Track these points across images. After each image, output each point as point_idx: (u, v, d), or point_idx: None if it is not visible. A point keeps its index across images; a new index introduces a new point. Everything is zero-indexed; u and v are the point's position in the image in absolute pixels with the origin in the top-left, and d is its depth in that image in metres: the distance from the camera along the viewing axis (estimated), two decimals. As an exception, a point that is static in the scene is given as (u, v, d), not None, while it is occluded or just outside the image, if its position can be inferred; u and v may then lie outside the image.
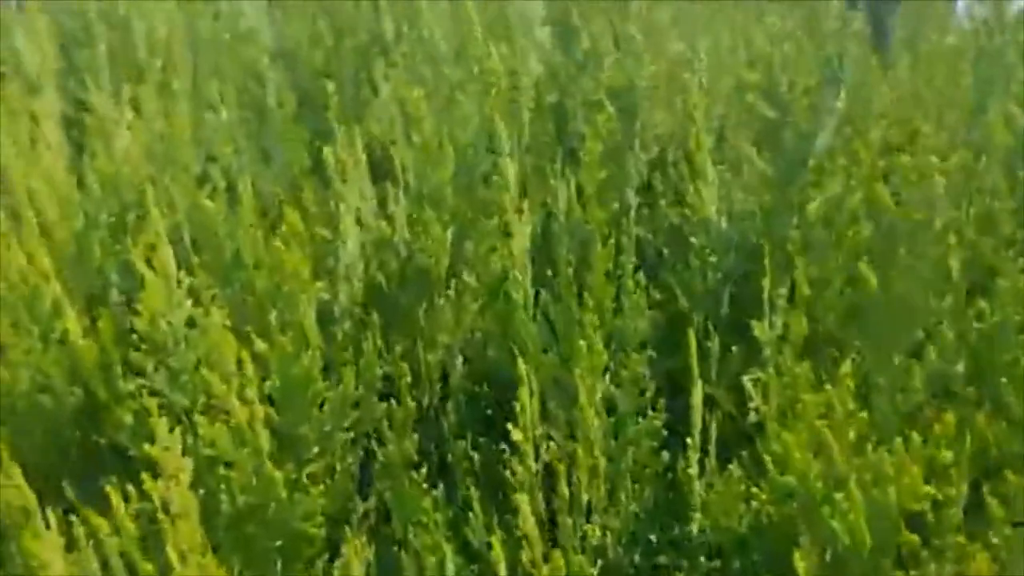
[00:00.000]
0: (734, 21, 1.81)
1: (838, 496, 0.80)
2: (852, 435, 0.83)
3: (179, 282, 1.13)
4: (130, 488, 0.97)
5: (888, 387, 0.91)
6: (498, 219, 1.31)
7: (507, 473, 1.13)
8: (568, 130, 1.51)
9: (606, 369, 1.03)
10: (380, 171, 1.63)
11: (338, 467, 1.12)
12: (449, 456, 1.17)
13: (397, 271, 1.31)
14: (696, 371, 0.96)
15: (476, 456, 1.18)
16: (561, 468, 0.98)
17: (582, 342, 0.98)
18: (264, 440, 0.98)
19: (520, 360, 1.01)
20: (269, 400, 1.06)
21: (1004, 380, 1.02)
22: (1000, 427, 0.98)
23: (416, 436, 1.07)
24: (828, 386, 0.89)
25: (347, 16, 1.91)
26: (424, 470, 1.06)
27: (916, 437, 0.78)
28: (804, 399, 0.92)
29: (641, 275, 1.22)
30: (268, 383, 1.04)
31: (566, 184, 1.34)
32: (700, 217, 1.16)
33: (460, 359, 1.28)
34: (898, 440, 0.79)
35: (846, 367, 0.86)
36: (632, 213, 1.35)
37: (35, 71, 1.84)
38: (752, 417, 1.18)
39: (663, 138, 1.38)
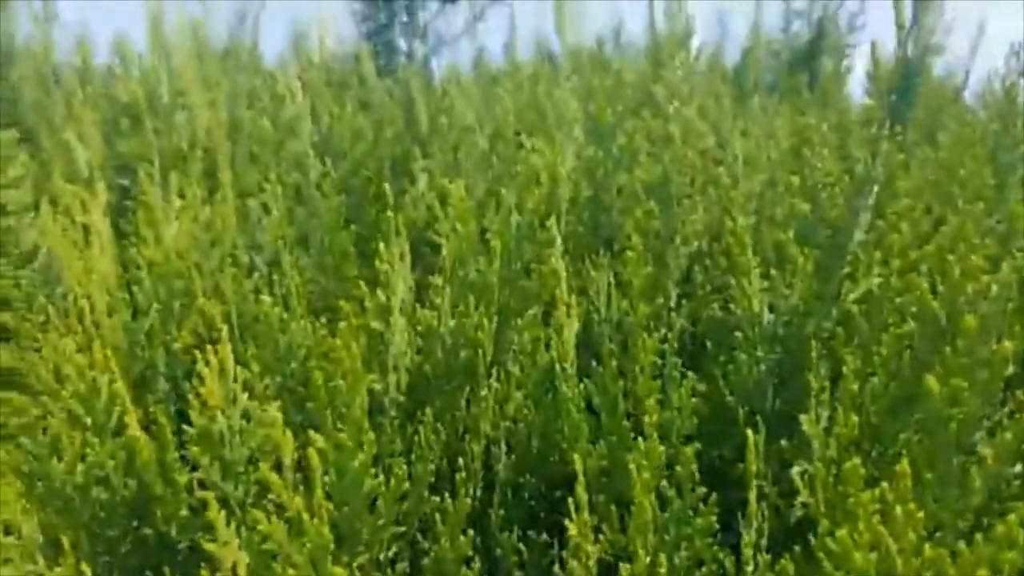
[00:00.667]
0: (764, 120, 1.87)
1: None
2: (911, 535, 0.83)
3: (235, 376, 1.15)
4: (188, 585, 0.97)
5: (943, 486, 0.92)
6: (541, 310, 1.34)
7: (558, 568, 1.13)
8: (606, 224, 1.55)
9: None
10: (417, 255, 1.67)
11: (386, 560, 1.12)
12: (498, 550, 1.17)
13: (443, 361, 1.33)
14: (752, 468, 0.97)
15: (524, 550, 1.18)
16: (618, 566, 0.98)
17: (640, 438, 1.00)
18: (322, 534, 0.99)
19: (576, 455, 1.02)
20: (324, 495, 1.07)
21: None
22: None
23: (470, 531, 1.08)
24: (884, 483, 0.90)
25: (385, 109, 1.99)
26: (476, 565, 1.06)
27: (979, 538, 0.79)
28: (857, 495, 0.93)
29: (685, 369, 1.24)
30: (326, 478, 1.05)
31: (607, 276, 1.37)
32: (743, 311, 1.19)
33: (505, 450, 1.29)
34: (961, 543, 0.79)
35: (903, 465, 0.87)
36: (673, 305, 1.38)
37: (83, 162, 1.91)
38: (799, 511, 1.18)
39: (701, 232, 1.42)
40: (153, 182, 1.52)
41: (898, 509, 0.87)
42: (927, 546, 0.86)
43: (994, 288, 1.06)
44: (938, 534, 0.93)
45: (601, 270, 1.40)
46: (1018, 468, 0.87)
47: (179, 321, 1.46)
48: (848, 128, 1.79)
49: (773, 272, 1.20)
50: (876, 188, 1.26)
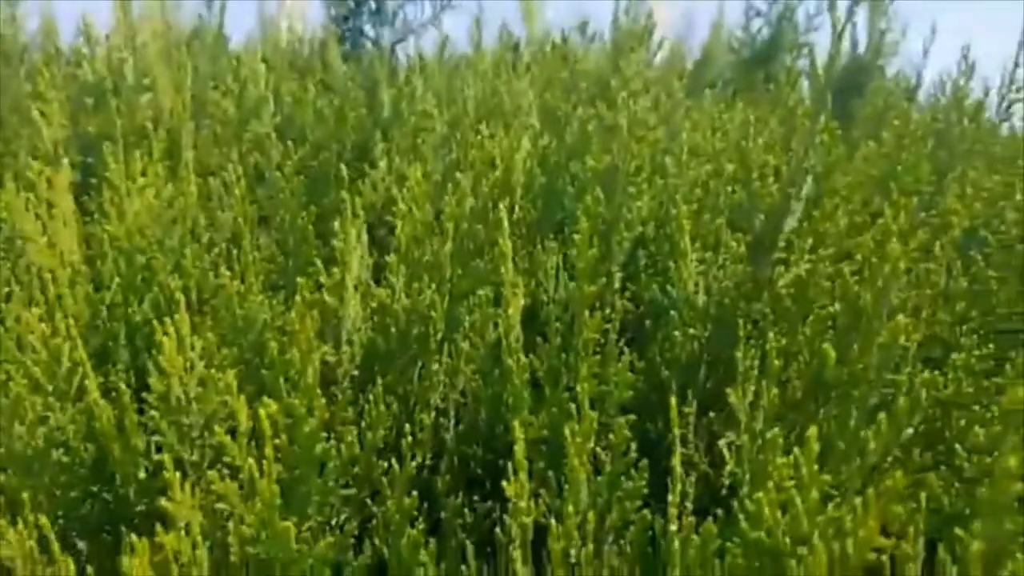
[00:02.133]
0: (714, 113, 1.95)
1: (802, 551, 0.87)
2: (815, 494, 0.91)
3: (192, 346, 1.20)
4: (142, 540, 1.02)
5: (846, 450, 1.00)
6: (492, 290, 1.40)
7: (499, 529, 1.19)
8: (558, 208, 1.61)
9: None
10: (373, 236, 1.72)
11: (337, 523, 1.18)
12: (443, 513, 1.23)
13: (396, 336, 1.38)
14: (677, 433, 1.04)
15: (467, 513, 1.24)
16: (551, 525, 1.05)
17: (572, 406, 1.06)
18: (274, 495, 1.04)
19: (516, 423, 1.09)
20: (275, 458, 1.12)
21: (957, 446, 1.11)
22: (953, 488, 1.07)
23: (414, 494, 1.14)
24: (796, 449, 0.97)
25: (348, 93, 2.03)
26: (421, 526, 1.12)
27: (871, 494, 0.86)
28: (774, 461, 1.00)
29: (625, 346, 1.31)
30: (277, 441, 1.11)
31: (556, 258, 1.44)
32: (679, 292, 1.26)
33: (454, 421, 1.35)
34: (857, 499, 0.87)
35: (812, 432, 0.95)
36: (617, 286, 1.45)
37: (48, 140, 1.93)
38: (727, 479, 1.26)
39: (646, 218, 1.49)
40: (116, 160, 1.55)
41: (805, 472, 0.94)
42: (830, 506, 0.94)
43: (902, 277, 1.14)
44: (838, 494, 1.01)
45: (550, 252, 1.47)
46: (908, 432, 0.95)
47: (140, 294, 1.50)
48: (794, 124, 1.87)
49: (708, 256, 1.28)
50: (810, 179, 1.34)
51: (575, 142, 1.67)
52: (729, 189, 1.41)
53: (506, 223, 1.24)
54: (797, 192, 1.30)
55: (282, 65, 2.28)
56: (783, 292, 1.27)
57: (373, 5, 2.55)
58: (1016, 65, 2.83)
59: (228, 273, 1.29)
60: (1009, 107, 2.82)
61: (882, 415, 0.94)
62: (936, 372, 1.24)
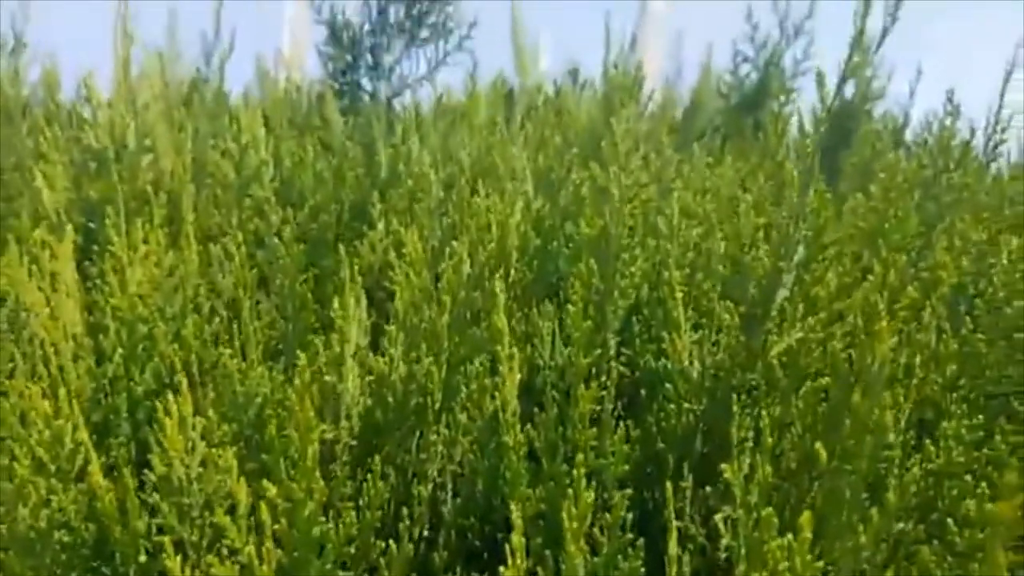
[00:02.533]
0: (705, 168, 1.98)
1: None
2: (811, 582, 0.92)
3: (193, 425, 1.22)
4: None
5: (841, 536, 1.01)
6: (488, 359, 1.42)
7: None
8: (553, 272, 1.64)
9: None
10: (371, 299, 1.74)
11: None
12: (442, 589, 1.24)
13: (394, 407, 1.40)
14: (672, 516, 1.06)
15: (467, 589, 1.25)
16: (549, 607, 1.06)
17: (570, 490, 1.08)
18: (273, 581, 1.06)
19: (513, 503, 1.10)
20: (274, 541, 1.13)
21: (949, 520, 1.13)
22: (945, 563, 1.08)
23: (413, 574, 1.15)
24: (789, 536, 0.99)
25: (346, 153, 2.07)
26: (420, 606, 1.13)
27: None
28: (770, 542, 1.02)
29: (621, 416, 1.33)
30: (276, 525, 1.12)
31: (552, 325, 1.46)
32: (673, 363, 1.28)
33: (451, 494, 1.36)
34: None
35: (806, 516, 0.96)
36: (613, 354, 1.47)
37: (50, 205, 1.96)
38: (723, 554, 1.27)
39: (640, 283, 1.51)
40: (118, 231, 1.58)
41: (797, 560, 0.96)
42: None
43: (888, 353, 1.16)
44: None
45: (546, 318, 1.49)
46: (901, 526, 0.96)
47: (141, 365, 1.52)
48: (783, 180, 1.90)
49: (703, 324, 1.30)
50: (800, 248, 1.36)
51: (568, 204, 1.70)
52: (720, 262, 1.44)
53: (502, 298, 1.26)
54: (788, 264, 1.32)
55: (281, 121, 2.31)
56: (775, 362, 1.29)
57: (370, 60, 2.59)
58: (1000, 106, 2.88)
59: (228, 351, 1.31)
60: (996, 148, 2.87)
61: (873, 510, 0.95)
62: (928, 441, 1.26)
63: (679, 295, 1.33)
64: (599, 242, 1.51)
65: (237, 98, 2.67)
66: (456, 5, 2.51)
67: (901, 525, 1.10)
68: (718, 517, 1.20)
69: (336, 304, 1.37)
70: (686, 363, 1.29)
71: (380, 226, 1.84)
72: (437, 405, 1.39)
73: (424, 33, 2.60)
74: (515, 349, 1.30)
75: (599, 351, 1.39)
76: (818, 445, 1.04)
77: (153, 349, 1.51)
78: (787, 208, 1.37)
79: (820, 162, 2.45)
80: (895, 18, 2.71)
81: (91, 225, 1.93)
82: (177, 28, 2.69)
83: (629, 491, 1.21)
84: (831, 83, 2.64)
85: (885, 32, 2.78)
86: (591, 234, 1.52)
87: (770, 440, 1.15)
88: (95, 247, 1.87)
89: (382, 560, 1.16)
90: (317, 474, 1.13)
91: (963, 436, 1.24)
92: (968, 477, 1.21)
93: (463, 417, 1.39)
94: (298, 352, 1.36)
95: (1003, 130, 2.88)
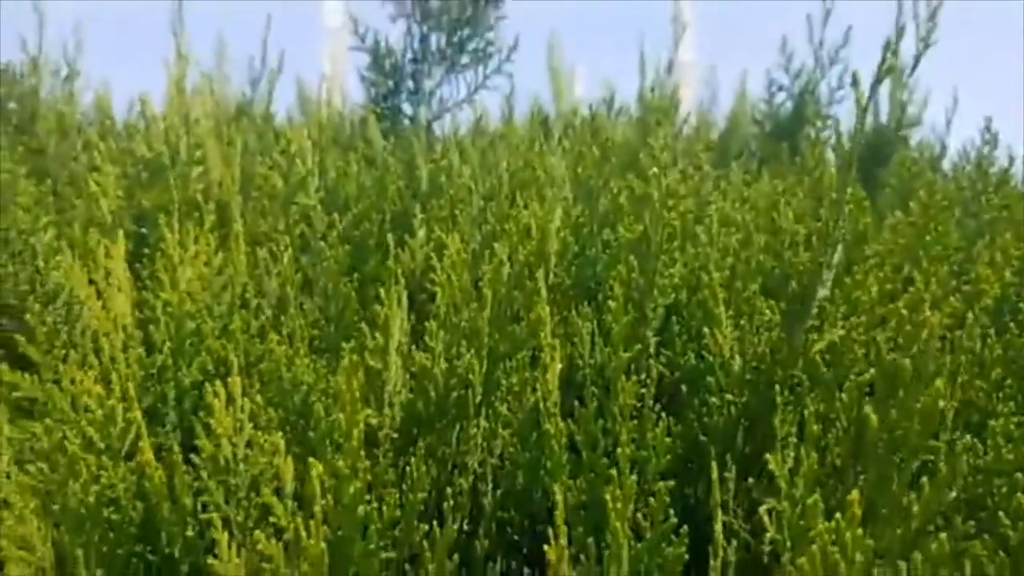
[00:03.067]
0: (739, 184, 2.00)
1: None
2: (860, 558, 0.91)
3: (241, 407, 1.24)
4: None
5: (889, 513, 1.00)
6: (528, 355, 1.43)
7: (538, 595, 1.20)
8: (592, 276, 1.65)
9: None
10: (413, 301, 1.77)
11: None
12: (482, 578, 1.24)
13: (435, 400, 1.41)
14: (718, 501, 1.05)
15: (507, 579, 1.25)
16: (592, 588, 1.05)
17: (612, 471, 1.08)
18: (318, 554, 1.06)
19: (556, 487, 1.10)
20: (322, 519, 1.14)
21: (1001, 514, 1.11)
22: (997, 556, 1.06)
23: (455, 557, 1.15)
24: (838, 514, 0.98)
25: (388, 167, 2.12)
26: (461, 590, 1.13)
27: (917, 558, 0.87)
28: (816, 527, 1.01)
29: (662, 411, 1.33)
30: (323, 502, 1.13)
31: (591, 324, 1.47)
32: (715, 358, 1.28)
33: (492, 485, 1.37)
34: (901, 563, 0.87)
35: (854, 495, 0.96)
36: (652, 351, 1.48)
37: (105, 211, 2.02)
38: (767, 546, 1.25)
39: (680, 285, 1.53)
40: (172, 230, 1.62)
41: (847, 535, 0.95)
42: (875, 569, 0.94)
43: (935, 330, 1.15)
44: (882, 558, 1.01)
45: (585, 318, 1.50)
46: (952, 495, 0.95)
47: (189, 358, 1.55)
48: (820, 193, 1.92)
49: (743, 323, 1.30)
50: (840, 248, 1.37)
51: (607, 211, 1.73)
52: (760, 258, 1.45)
53: (544, 289, 1.28)
54: (828, 261, 1.33)
55: (325, 141, 2.38)
56: (818, 358, 1.29)
57: (411, 85, 2.66)
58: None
59: (276, 337, 1.34)
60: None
61: (924, 479, 0.94)
62: (975, 439, 1.24)
63: (719, 292, 1.34)
64: (639, 244, 1.52)
65: (281, 119, 2.76)
66: (497, 30, 2.58)
67: (952, 517, 1.08)
68: (763, 509, 1.19)
69: (381, 296, 1.40)
70: (727, 357, 1.29)
71: (421, 233, 1.88)
72: (478, 398, 1.40)
73: (464, 59, 2.67)
74: (556, 341, 1.32)
75: (639, 347, 1.40)
76: (868, 411, 1.04)
77: (201, 343, 1.54)
78: (826, 208, 1.38)
79: (858, 182, 2.45)
80: (927, 43, 2.73)
81: (143, 230, 1.99)
82: (225, 52, 2.79)
83: (671, 482, 1.21)
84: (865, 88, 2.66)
85: (918, 59, 2.80)
86: (630, 237, 1.54)
87: (815, 428, 1.15)
88: (146, 251, 1.92)
89: (425, 543, 1.16)
90: (362, 452, 1.15)
91: (1011, 432, 1.22)
92: (1019, 475, 1.19)
93: (504, 409, 1.39)
94: (343, 343, 1.39)
95: (1042, 158, 2.87)
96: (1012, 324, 1.46)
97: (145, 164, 2.05)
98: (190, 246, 1.67)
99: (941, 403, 1.03)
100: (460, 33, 2.64)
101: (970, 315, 1.61)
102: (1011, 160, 2.74)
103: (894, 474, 1.03)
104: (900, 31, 2.81)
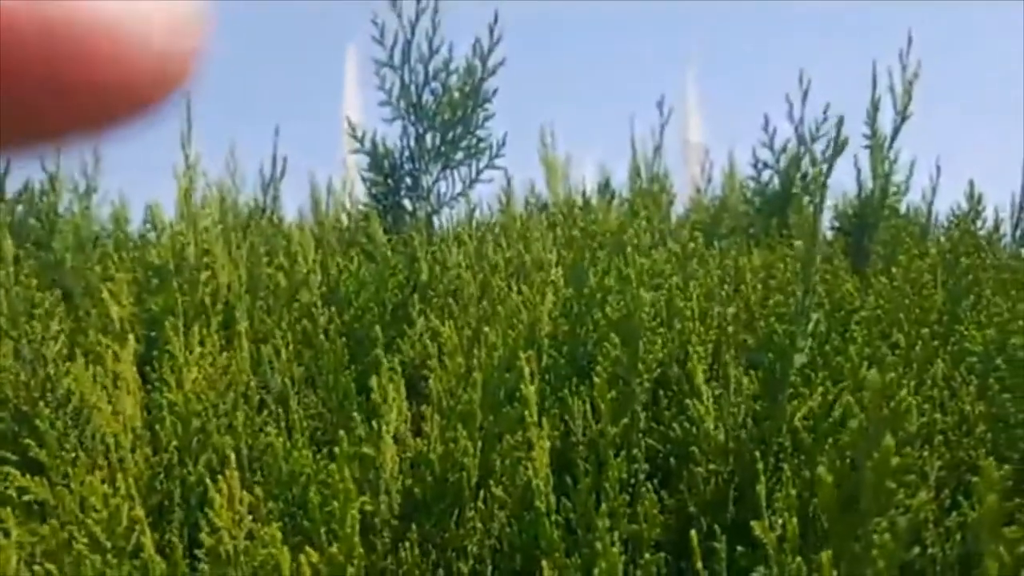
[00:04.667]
0: (730, 259, 2.07)
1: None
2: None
3: (241, 500, 1.29)
4: None
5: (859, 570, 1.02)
6: (522, 436, 1.47)
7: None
8: (582, 355, 1.71)
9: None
10: (415, 390, 1.82)
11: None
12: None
13: (432, 484, 1.45)
14: (699, 571, 1.07)
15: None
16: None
17: (599, 545, 1.11)
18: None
19: (545, 562, 1.13)
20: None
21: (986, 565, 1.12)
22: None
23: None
24: (817, 576, 1.00)
25: (389, 263, 2.21)
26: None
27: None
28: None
29: (654, 484, 1.36)
30: (318, 589, 1.16)
31: (581, 403, 1.51)
32: (699, 429, 1.32)
33: (491, 568, 1.39)
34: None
35: (824, 556, 0.98)
36: (642, 426, 1.51)
37: (116, 317, 2.11)
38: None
39: (667, 359, 1.57)
40: (177, 333, 1.70)
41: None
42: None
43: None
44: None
45: (575, 396, 1.55)
46: (915, 550, 0.97)
47: (195, 456, 1.60)
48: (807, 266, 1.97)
49: (721, 392, 1.34)
50: (815, 316, 1.42)
51: (593, 292, 1.79)
52: (740, 330, 1.50)
53: (528, 371, 1.33)
54: (803, 329, 1.38)
55: (329, 239, 2.49)
56: (799, 425, 1.33)
57: (409, 182, 2.79)
58: (1024, 196, 2.94)
59: (275, 430, 1.39)
60: (1024, 236, 2.90)
61: (887, 536, 0.97)
62: (963, 497, 1.26)
63: (700, 366, 1.39)
64: (623, 323, 1.58)
65: (293, 217, 2.88)
66: (488, 129, 2.71)
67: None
68: (752, 576, 1.20)
69: (375, 385, 1.46)
70: (710, 428, 1.33)
71: (420, 322, 1.95)
72: (474, 480, 1.44)
73: (458, 155, 2.80)
74: (545, 419, 1.36)
75: (625, 421, 1.43)
76: (821, 471, 1.06)
77: (207, 440, 1.60)
78: (802, 275, 1.44)
79: (844, 251, 2.51)
80: (904, 117, 2.83)
81: (153, 335, 2.08)
82: (237, 160, 2.95)
83: (661, 555, 1.23)
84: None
85: (896, 130, 2.89)
86: (614, 316, 1.60)
87: (792, 494, 1.17)
88: (155, 354, 2.00)
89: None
90: (356, 540, 1.18)
91: (996, 486, 1.24)
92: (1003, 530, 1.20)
93: (499, 490, 1.43)
94: (340, 432, 1.44)
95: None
96: (993, 381, 1.49)
97: (155, 271, 2.15)
98: (196, 347, 1.75)
99: (894, 462, 1.05)
100: (453, 132, 2.77)
101: (956, 376, 1.64)
102: (997, 223, 2.81)
103: (862, 535, 1.05)
104: (876, 104, 2.92)
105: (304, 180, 3.22)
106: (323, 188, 3.21)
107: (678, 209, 2.97)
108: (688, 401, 1.39)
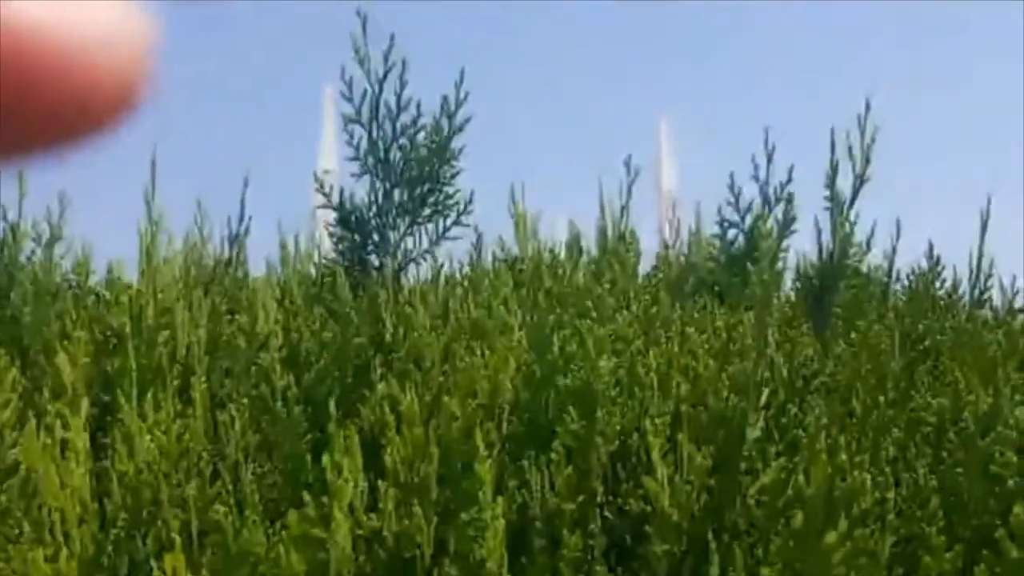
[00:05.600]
0: (691, 322, 2.08)
1: None
2: None
3: (187, 582, 1.26)
4: None
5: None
6: (476, 511, 1.46)
7: None
8: (543, 423, 1.70)
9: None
10: (375, 456, 1.80)
11: None
12: None
13: (386, 562, 1.43)
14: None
15: None
16: None
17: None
18: None
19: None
20: None
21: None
22: None
23: None
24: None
25: (352, 323, 2.20)
26: None
27: None
28: None
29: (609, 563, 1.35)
30: None
31: (539, 477, 1.50)
32: (653, 507, 1.31)
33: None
34: None
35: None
36: (600, 500, 1.50)
37: (68, 380, 2.08)
38: None
39: (626, 430, 1.57)
40: (130, 400, 1.68)
41: None
42: None
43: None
44: None
45: (533, 469, 1.54)
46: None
47: (145, 528, 1.57)
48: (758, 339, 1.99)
49: (673, 471, 1.34)
50: (767, 391, 1.43)
51: (556, 359, 1.79)
52: (688, 408, 1.50)
53: (482, 449, 1.32)
54: (754, 404, 1.38)
55: (293, 297, 2.48)
56: (752, 502, 1.32)
57: (377, 237, 2.79)
58: (980, 255, 3.00)
59: (225, 508, 1.37)
60: (982, 295, 2.96)
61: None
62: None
63: (655, 442, 1.39)
64: (583, 391, 1.58)
65: (259, 272, 2.86)
66: (454, 186, 2.73)
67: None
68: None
69: (328, 464, 1.44)
70: (664, 505, 1.32)
71: (381, 387, 1.93)
72: (427, 559, 1.42)
73: (426, 211, 2.81)
74: (502, 494, 1.35)
75: (582, 498, 1.43)
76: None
77: (157, 512, 1.56)
78: (754, 352, 1.45)
79: (805, 314, 2.53)
80: (863, 179, 2.89)
81: (107, 399, 2.04)
82: (205, 215, 2.93)
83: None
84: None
85: (856, 193, 2.96)
86: (574, 387, 1.60)
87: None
88: (109, 420, 1.96)
89: None
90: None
91: (946, 572, 1.24)
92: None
93: (453, 570, 1.40)
94: (291, 511, 1.41)
95: (987, 279, 2.99)
96: (945, 453, 1.50)
97: (113, 332, 2.12)
98: (150, 414, 1.72)
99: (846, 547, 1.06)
100: (421, 188, 2.79)
101: (911, 445, 1.65)
102: (956, 285, 2.85)
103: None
104: (835, 168, 2.98)
105: (275, 223, 3.20)
106: (291, 240, 3.21)
107: (645, 266, 3.00)
108: (643, 478, 1.38)
